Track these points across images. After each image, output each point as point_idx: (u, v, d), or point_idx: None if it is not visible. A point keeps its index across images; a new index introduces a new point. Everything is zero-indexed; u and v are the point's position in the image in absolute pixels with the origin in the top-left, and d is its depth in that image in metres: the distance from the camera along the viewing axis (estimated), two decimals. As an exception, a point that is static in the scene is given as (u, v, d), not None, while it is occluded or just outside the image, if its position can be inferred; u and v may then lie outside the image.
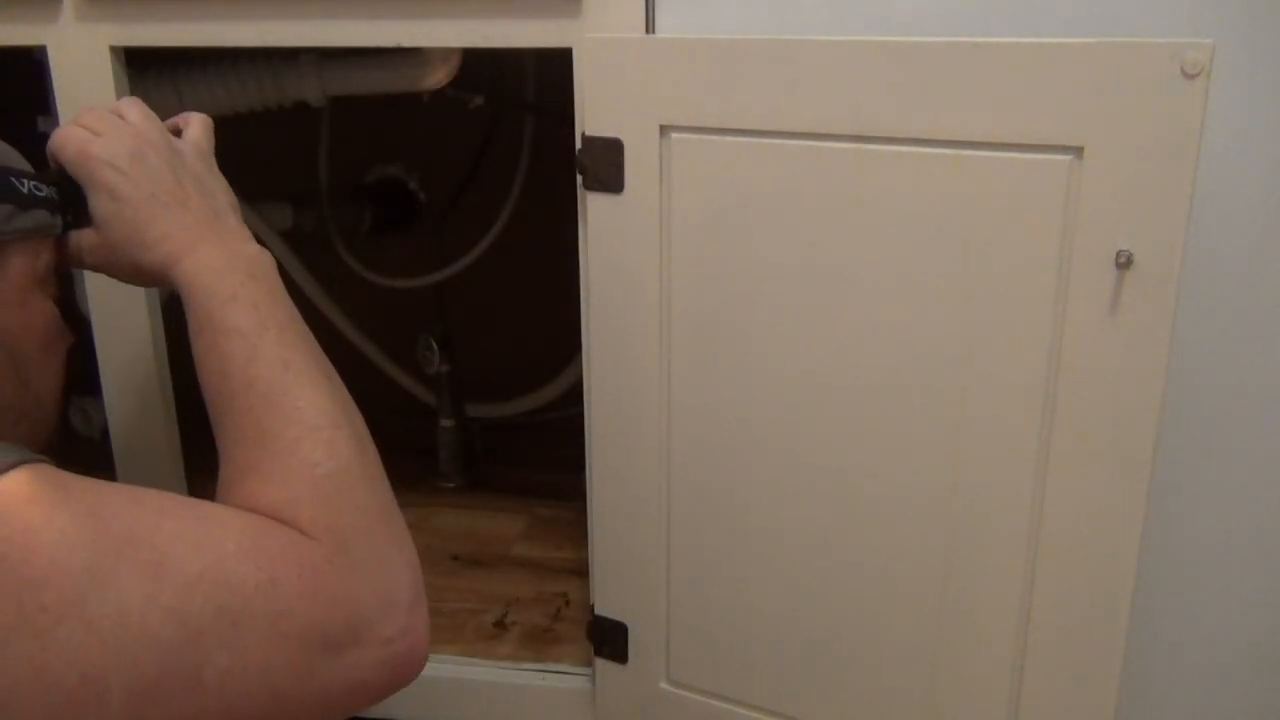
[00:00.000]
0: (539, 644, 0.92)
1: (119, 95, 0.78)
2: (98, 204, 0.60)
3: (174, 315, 0.87)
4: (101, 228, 0.60)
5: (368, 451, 0.56)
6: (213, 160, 0.65)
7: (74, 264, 0.62)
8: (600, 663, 0.84)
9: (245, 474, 0.52)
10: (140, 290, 0.81)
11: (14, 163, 0.59)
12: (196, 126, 0.66)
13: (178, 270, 0.58)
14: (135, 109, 0.63)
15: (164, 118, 0.65)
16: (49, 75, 0.78)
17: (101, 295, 0.82)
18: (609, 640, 0.82)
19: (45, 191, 0.59)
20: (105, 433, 0.86)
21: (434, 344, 1.19)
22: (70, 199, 0.61)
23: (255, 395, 0.54)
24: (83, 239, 0.61)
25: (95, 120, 0.61)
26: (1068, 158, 0.58)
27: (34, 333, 0.59)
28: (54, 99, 0.78)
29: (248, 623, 0.46)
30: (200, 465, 0.89)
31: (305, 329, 0.59)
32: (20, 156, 0.60)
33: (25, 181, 0.58)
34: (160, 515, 0.48)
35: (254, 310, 0.57)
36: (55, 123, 0.79)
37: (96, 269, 0.62)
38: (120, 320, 0.82)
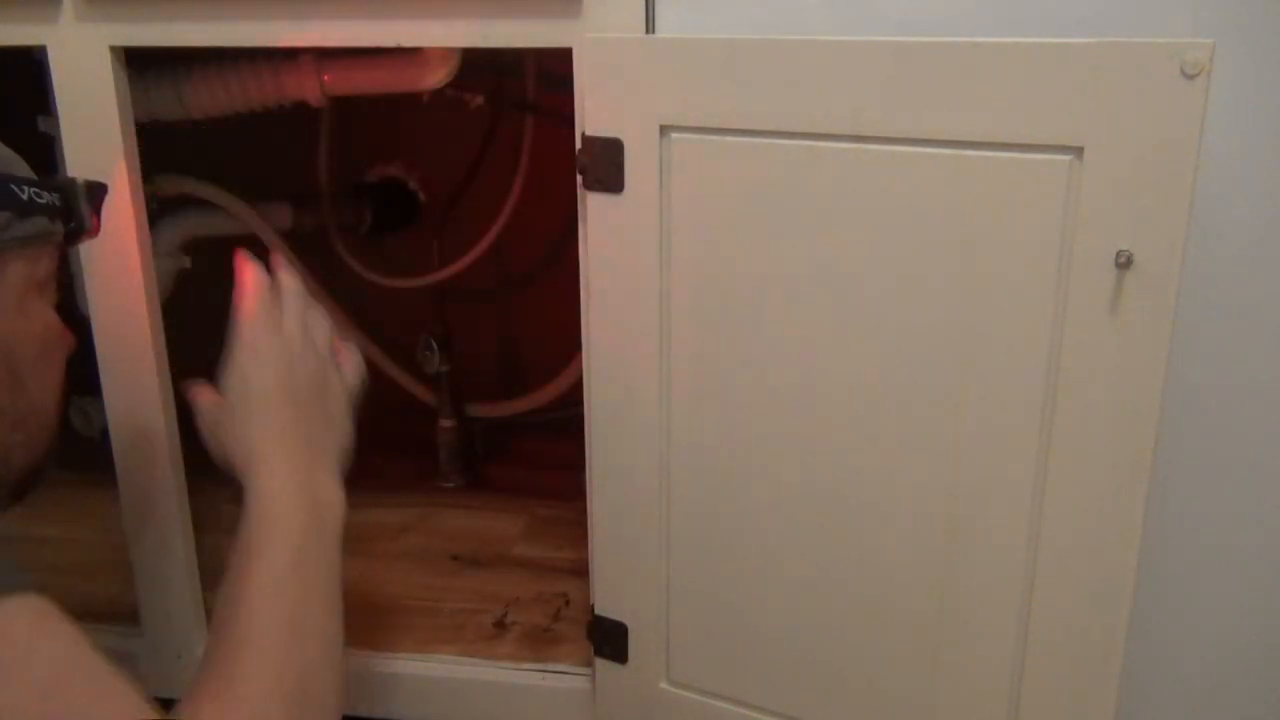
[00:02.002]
0: (539, 644, 0.93)
1: (119, 95, 0.78)
2: (228, 377, 0.62)
3: (174, 315, 0.88)
4: (220, 404, 0.63)
5: None
6: (350, 404, 0.67)
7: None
8: (600, 663, 0.84)
9: (206, 699, 0.52)
10: (140, 290, 0.81)
11: (15, 169, 0.59)
12: (353, 367, 0.69)
13: (251, 475, 0.60)
14: (324, 329, 0.66)
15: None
16: (49, 75, 0.78)
17: (101, 295, 0.82)
18: (609, 640, 0.82)
19: (46, 198, 0.59)
20: (105, 433, 0.86)
21: (434, 344, 1.20)
22: (74, 205, 0.61)
23: (252, 626, 0.55)
24: (201, 400, 0.63)
25: (288, 309, 0.64)
26: (1068, 158, 0.58)
27: (32, 340, 0.59)
28: (54, 99, 0.78)
29: None
30: (200, 466, 0.89)
31: (333, 597, 0.59)
32: (22, 162, 0.60)
33: (25, 188, 0.58)
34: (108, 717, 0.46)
35: (295, 552, 0.58)
36: (55, 123, 0.80)
37: (202, 430, 0.64)
38: (120, 320, 0.82)
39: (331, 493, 0.61)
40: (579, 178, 0.71)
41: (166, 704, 0.51)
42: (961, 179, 0.61)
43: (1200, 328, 0.67)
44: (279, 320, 0.65)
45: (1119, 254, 0.57)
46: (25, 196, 0.57)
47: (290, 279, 0.67)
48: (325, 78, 0.91)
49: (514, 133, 1.16)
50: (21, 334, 0.59)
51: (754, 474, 0.72)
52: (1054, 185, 0.58)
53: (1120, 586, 0.63)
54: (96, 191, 0.64)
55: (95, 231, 0.62)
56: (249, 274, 0.66)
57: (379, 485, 1.21)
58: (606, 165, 0.70)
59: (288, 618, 0.56)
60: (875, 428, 0.67)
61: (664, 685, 0.81)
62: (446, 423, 1.24)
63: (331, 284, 1.21)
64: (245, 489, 0.60)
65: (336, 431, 0.65)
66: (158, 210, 1.00)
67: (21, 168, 0.59)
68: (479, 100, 1.08)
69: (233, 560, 0.57)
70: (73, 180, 0.62)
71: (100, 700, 0.47)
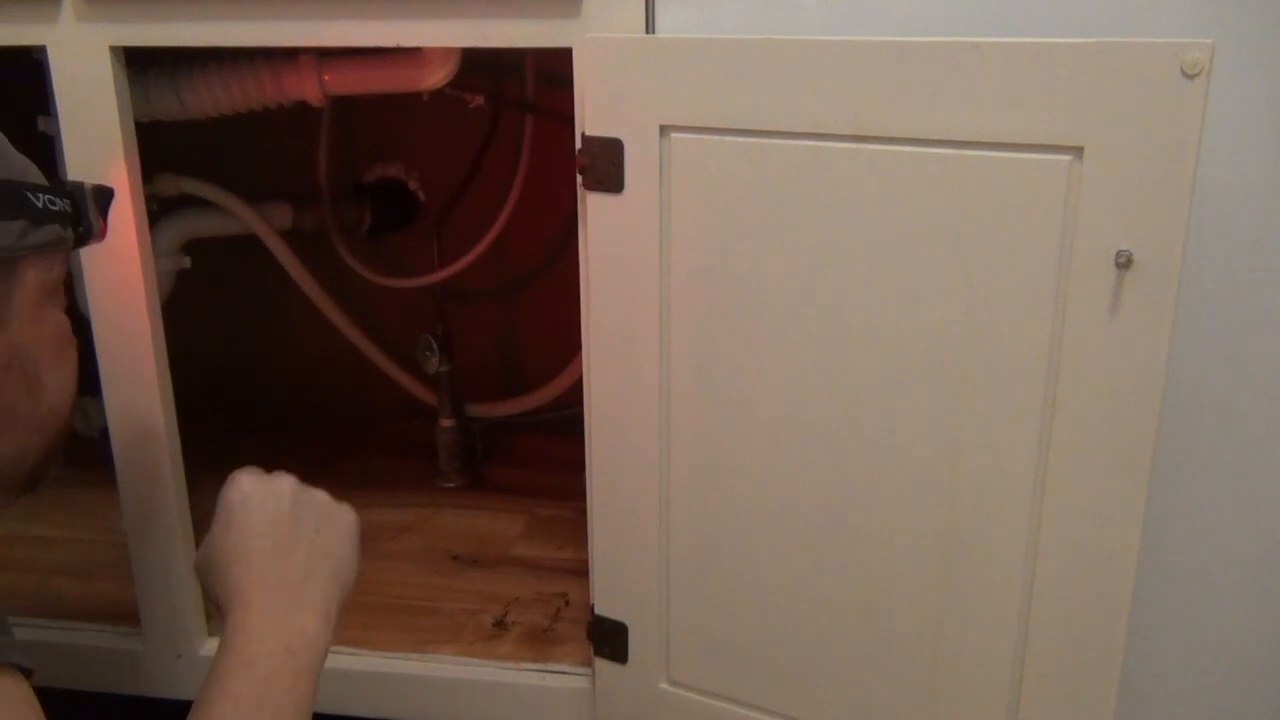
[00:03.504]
0: (539, 644, 0.92)
1: (119, 95, 0.78)
2: (215, 526, 0.63)
3: (174, 314, 0.88)
4: (207, 541, 0.63)
5: None
6: (357, 543, 0.67)
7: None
8: (600, 663, 0.84)
9: None
10: (140, 290, 0.81)
11: (29, 176, 0.59)
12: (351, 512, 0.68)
13: (228, 612, 0.60)
14: (326, 502, 0.66)
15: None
16: (49, 75, 0.78)
17: (101, 295, 0.82)
18: (609, 640, 0.82)
19: (59, 205, 0.59)
20: (105, 433, 0.86)
21: (434, 344, 1.20)
22: (82, 211, 0.61)
23: None
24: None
25: (281, 481, 0.65)
26: (1068, 158, 0.58)
27: (48, 344, 0.60)
28: (54, 99, 0.78)
29: None
30: (200, 466, 0.89)
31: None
32: (35, 169, 0.60)
33: (40, 196, 0.58)
34: None
35: (263, 684, 0.57)
36: (55, 123, 0.80)
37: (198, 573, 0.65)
38: (120, 320, 0.82)
39: (312, 630, 0.61)
40: (579, 178, 0.71)
41: (164, 705, 0.50)
42: (961, 179, 0.61)
43: (1200, 328, 0.67)
44: (268, 474, 0.65)
45: (1119, 254, 0.57)
46: (40, 204, 0.58)
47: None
48: (325, 78, 0.91)
49: (514, 133, 1.16)
50: (38, 340, 0.59)
51: (754, 474, 0.72)
52: (1054, 185, 0.58)
53: (1120, 587, 0.63)
54: (104, 196, 0.64)
55: (102, 236, 0.63)
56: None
57: (379, 485, 1.21)
58: (606, 165, 0.70)
59: None
60: (875, 427, 0.67)
61: (664, 685, 0.81)
62: (446, 423, 1.24)
63: (331, 284, 1.21)
64: (223, 624, 0.60)
65: (334, 561, 0.64)
66: (158, 210, 1.00)
67: (35, 175, 0.59)
68: (479, 100, 1.07)
69: (201, 691, 0.58)
70: (81, 185, 0.62)
71: None
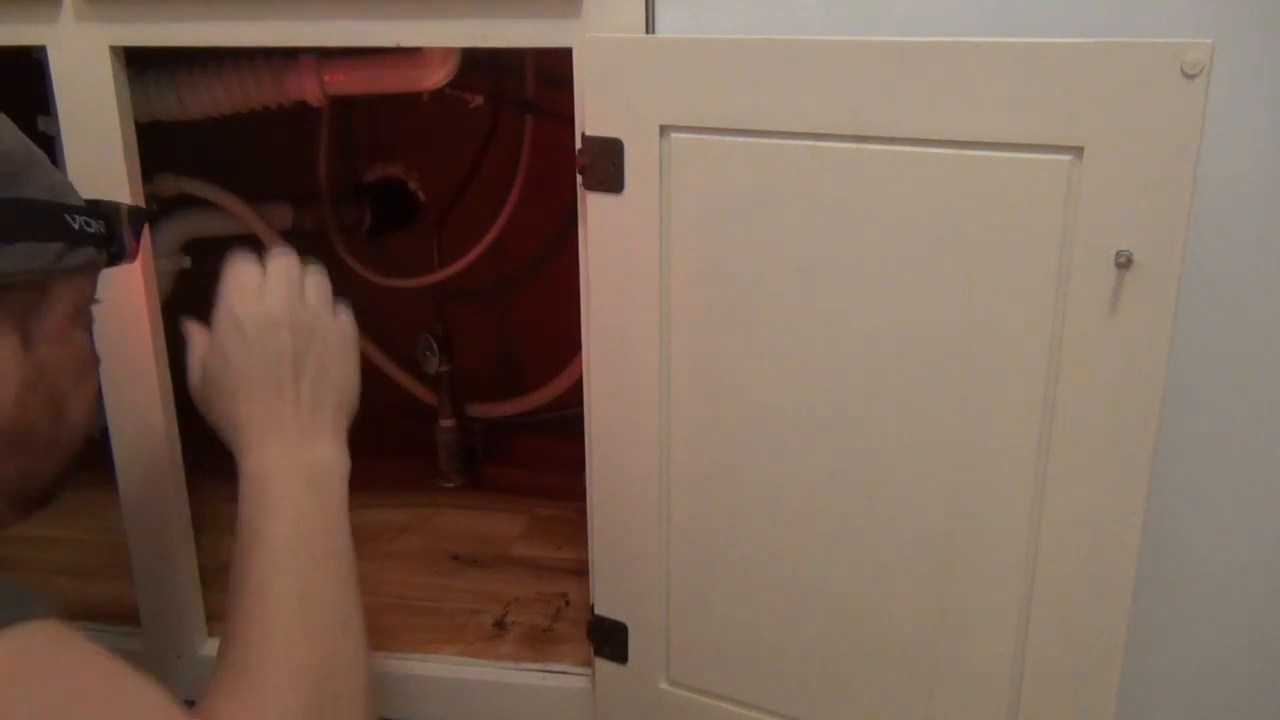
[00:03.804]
0: (539, 644, 0.92)
1: (119, 95, 0.78)
2: (211, 358, 0.61)
3: (175, 314, 0.88)
4: (205, 376, 0.61)
5: (352, 713, 0.55)
6: (356, 352, 0.65)
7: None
8: (600, 663, 0.84)
9: (223, 697, 0.52)
10: (140, 291, 0.81)
11: (68, 197, 0.58)
12: (347, 318, 0.66)
13: (242, 459, 0.59)
14: (317, 282, 0.64)
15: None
16: (49, 75, 0.78)
17: (101, 295, 0.82)
18: (609, 640, 0.82)
19: (94, 227, 0.59)
20: (105, 432, 0.86)
21: (434, 344, 1.20)
22: (116, 232, 0.60)
23: (260, 617, 0.54)
24: (193, 358, 0.62)
25: (272, 277, 0.62)
26: (1068, 158, 0.58)
27: (71, 366, 0.60)
28: (54, 99, 0.78)
29: None
30: (200, 466, 0.89)
31: (344, 557, 0.58)
32: (73, 188, 0.60)
33: (77, 218, 0.57)
34: None
35: (294, 524, 0.57)
36: (55, 123, 0.79)
37: (192, 393, 0.63)
38: (120, 320, 0.82)
39: (330, 453, 0.60)
40: (579, 178, 0.71)
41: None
42: (962, 179, 0.61)
43: (1200, 328, 0.67)
44: (262, 285, 0.62)
45: (1119, 254, 0.57)
46: (77, 227, 0.57)
47: (283, 253, 0.65)
48: (325, 78, 0.91)
49: (514, 133, 1.16)
50: (63, 361, 0.59)
51: (754, 474, 0.72)
52: (1054, 185, 0.58)
53: (1120, 587, 0.63)
54: (138, 217, 0.64)
55: (134, 257, 0.62)
56: (237, 258, 0.64)
57: (379, 485, 1.21)
58: (606, 165, 0.70)
59: (295, 599, 0.55)
60: (874, 427, 0.67)
61: (664, 685, 0.81)
62: (446, 423, 1.24)
63: (332, 284, 1.21)
64: (238, 468, 0.59)
65: (335, 385, 0.63)
66: (158, 210, 1.00)
67: (73, 195, 0.59)
68: (479, 100, 1.08)
69: (235, 549, 0.57)
70: (117, 206, 0.61)
71: (123, 708, 0.47)
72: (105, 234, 0.60)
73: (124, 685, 0.48)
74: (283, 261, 0.64)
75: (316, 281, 0.65)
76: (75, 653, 0.47)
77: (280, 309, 0.61)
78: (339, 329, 0.65)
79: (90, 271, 0.59)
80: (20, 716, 0.43)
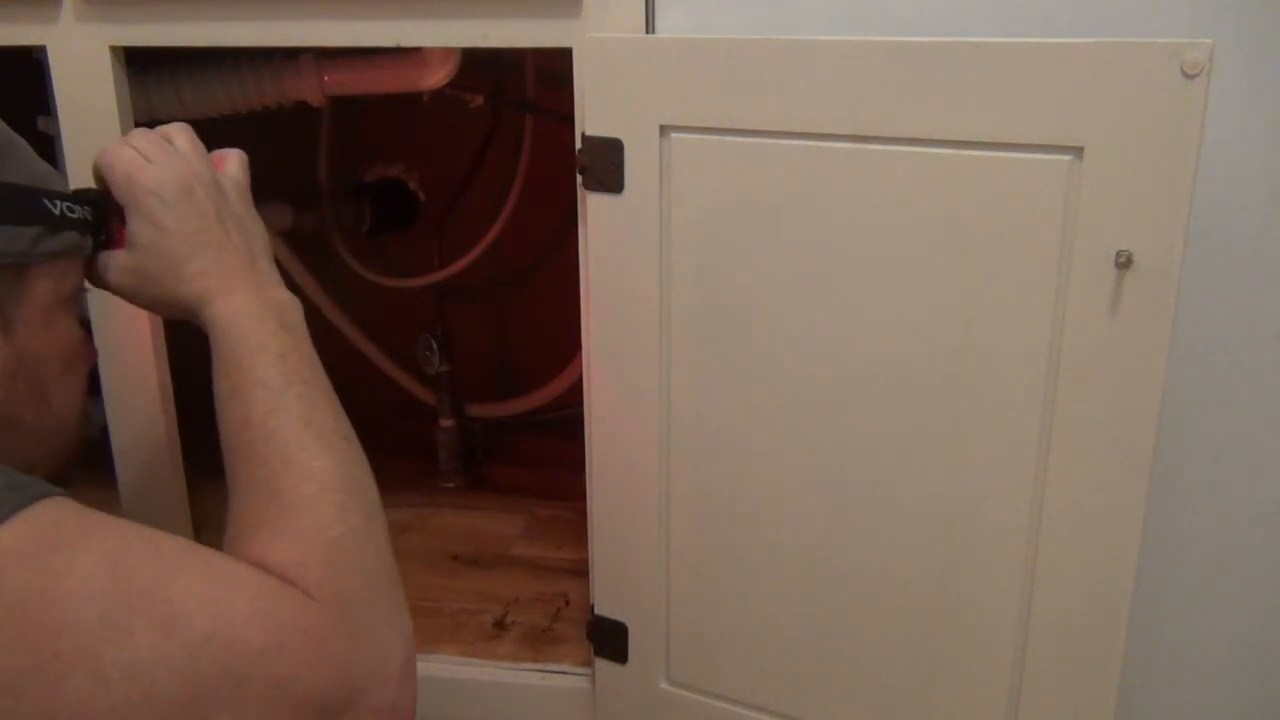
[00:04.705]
0: (539, 644, 0.92)
1: (119, 95, 0.78)
2: (139, 231, 0.59)
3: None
4: (138, 255, 0.60)
5: (376, 518, 0.56)
6: (250, 199, 0.65)
7: (96, 283, 0.62)
8: (600, 663, 0.84)
9: (256, 528, 0.52)
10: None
11: (50, 183, 0.58)
12: (236, 163, 0.65)
13: (210, 310, 0.58)
14: (185, 137, 0.63)
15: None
16: (49, 75, 0.78)
17: (101, 295, 0.82)
18: (609, 640, 0.82)
19: (79, 212, 0.58)
20: (105, 432, 0.86)
21: (434, 344, 1.19)
22: (103, 219, 0.60)
23: (273, 449, 0.54)
24: (111, 259, 0.61)
25: (147, 145, 0.61)
26: (1068, 158, 0.58)
27: (56, 354, 0.59)
28: (54, 99, 0.78)
29: (251, 686, 0.46)
30: (200, 466, 0.89)
31: (328, 386, 0.59)
32: (59, 177, 0.59)
33: (58, 203, 0.57)
34: (177, 569, 0.47)
35: (281, 362, 0.57)
36: (55, 123, 0.79)
37: (118, 292, 0.62)
38: (120, 320, 0.82)
39: (285, 295, 0.60)
40: (579, 178, 0.71)
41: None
42: (961, 179, 0.61)
43: (1200, 328, 0.67)
44: (145, 155, 0.61)
45: (1119, 254, 0.57)
46: (58, 211, 0.57)
47: (136, 130, 0.64)
48: (325, 78, 0.91)
49: (514, 133, 1.16)
50: (47, 349, 0.58)
51: (754, 474, 0.72)
52: (1054, 185, 0.58)
53: (1120, 586, 0.63)
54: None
55: (122, 244, 0.62)
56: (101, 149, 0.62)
57: (379, 485, 1.20)
58: (606, 165, 0.70)
59: (302, 424, 0.55)
60: (875, 428, 0.67)
61: (664, 685, 0.81)
62: (446, 423, 1.23)
63: (331, 284, 1.21)
64: (205, 326, 0.58)
65: (255, 233, 0.63)
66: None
67: (58, 182, 0.59)
68: (479, 100, 1.07)
69: (219, 401, 0.56)
70: (105, 192, 0.61)
71: (164, 554, 0.48)
72: (91, 220, 0.59)
73: (155, 536, 0.49)
74: (141, 131, 0.63)
75: (186, 136, 0.63)
76: (98, 516, 0.48)
77: (180, 168, 0.60)
78: (230, 178, 0.64)
79: (73, 258, 0.59)
80: (79, 571, 0.44)
